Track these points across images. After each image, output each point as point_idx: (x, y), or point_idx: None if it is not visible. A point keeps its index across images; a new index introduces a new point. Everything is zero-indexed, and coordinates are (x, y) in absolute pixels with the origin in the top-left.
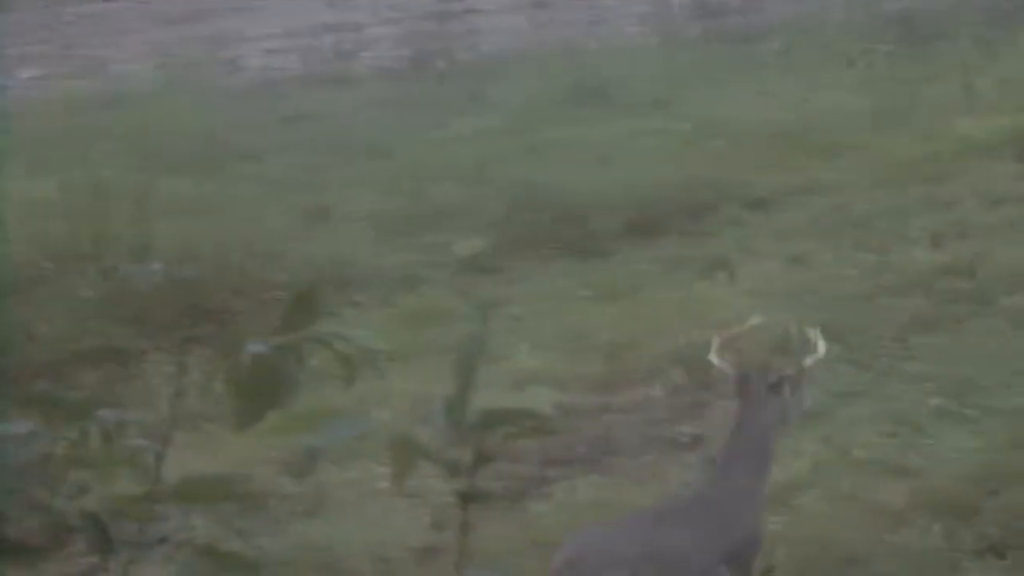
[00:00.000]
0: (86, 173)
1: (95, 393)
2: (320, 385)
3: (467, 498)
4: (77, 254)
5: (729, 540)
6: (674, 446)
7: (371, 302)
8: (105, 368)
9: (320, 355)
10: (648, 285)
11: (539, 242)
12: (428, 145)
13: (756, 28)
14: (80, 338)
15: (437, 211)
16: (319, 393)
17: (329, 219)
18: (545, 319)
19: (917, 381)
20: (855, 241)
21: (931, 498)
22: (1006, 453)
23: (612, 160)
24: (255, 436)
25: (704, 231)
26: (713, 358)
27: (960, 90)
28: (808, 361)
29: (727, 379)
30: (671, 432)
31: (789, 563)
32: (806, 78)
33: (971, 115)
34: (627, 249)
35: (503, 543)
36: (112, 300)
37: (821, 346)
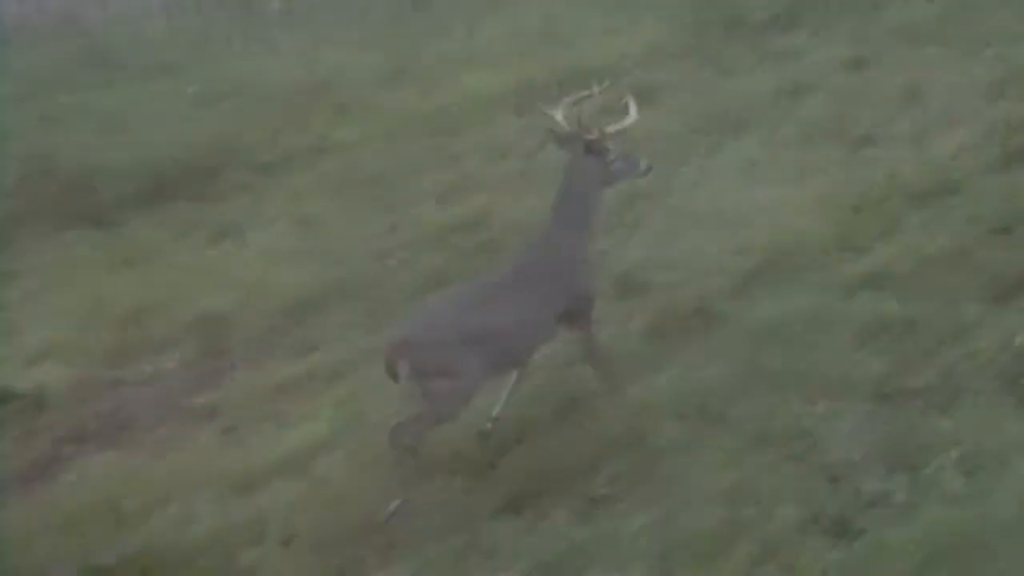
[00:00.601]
0: None
1: None
2: None
3: None
4: None
5: (561, 298)
6: (190, 417)
7: None
8: None
9: None
10: (162, 252)
11: (51, 213)
12: None
13: None
14: None
15: None
16: None
17: None
18: (59, 291)
19: None
20: (367, 199)
21: (450, 459)
22: (521, 411)
23: (123, 126)
24: None
25: (216, 195)
26: (558, 116)
27: (463, 46)
28: (618, 125)
29: (557, 138)
30: (187, 403)
31: (308, 533)
32: (312, 37)
33: (474, 70)
34: (140, 216)
35: (22, 526)
36: None
37: (633, 111)
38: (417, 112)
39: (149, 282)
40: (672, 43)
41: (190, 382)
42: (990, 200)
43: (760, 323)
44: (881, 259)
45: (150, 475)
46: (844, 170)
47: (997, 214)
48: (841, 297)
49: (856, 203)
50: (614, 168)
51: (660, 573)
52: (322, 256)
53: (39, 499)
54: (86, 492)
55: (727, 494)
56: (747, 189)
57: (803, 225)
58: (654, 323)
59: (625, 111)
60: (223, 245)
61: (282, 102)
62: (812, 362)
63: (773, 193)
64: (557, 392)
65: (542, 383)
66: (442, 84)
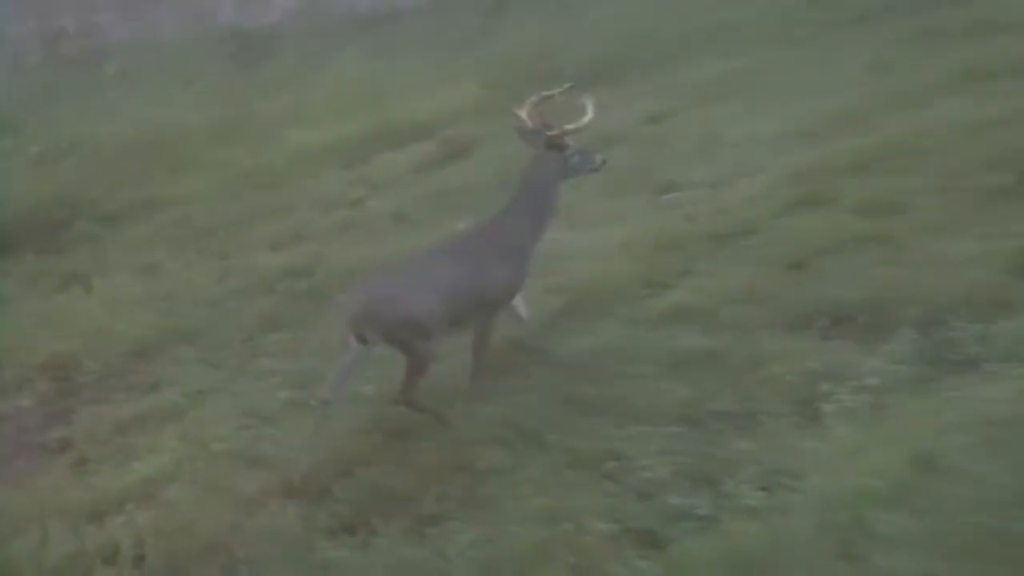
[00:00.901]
0: None
1: None
2: None
3: None
4: None
5: (497, 274)
6: (44, 450)
7: None
8: None
9: None
10: (12, 300)
11: None
12: None
13: (96, 51)
14: None
15: None
16: None
17: None
18: None
19: (266, 376)
20: (201, 249)
21: (284, 484)
22: (353, 438)
23: None
24: None
25: (60, 247)
26: (522, 114)
27: (291, 104)
28: (576, 124)
29: (522, 134)
30: (41, 438)
31: (158, 555)
32: (147, 97)
33: (302, 127)
34: None
35: None
36: None
37: (590, 111)
38: (248, 167)
39: (1, 328)
40: (485, 101)
41: (43, 419)
42: (781, 240)
43: (574, 355)
44: (683, 295)
45: (9, 504)
46: (648, 215)
47: (788, 252)
48: (647, 330)
49: (658, 244)
50: (572, 162)
51: None
52: (161, 302)
53: None
54: None
55: (547, 511)
56: (559, 233)
57: (611, 266)
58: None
59: (583, 111)
60: (69, 293)
61: (120, 159)
62: (622, 390)
63: (583, 237)
64: (387, 424)
65: (371, 416)
66: (270, 141)
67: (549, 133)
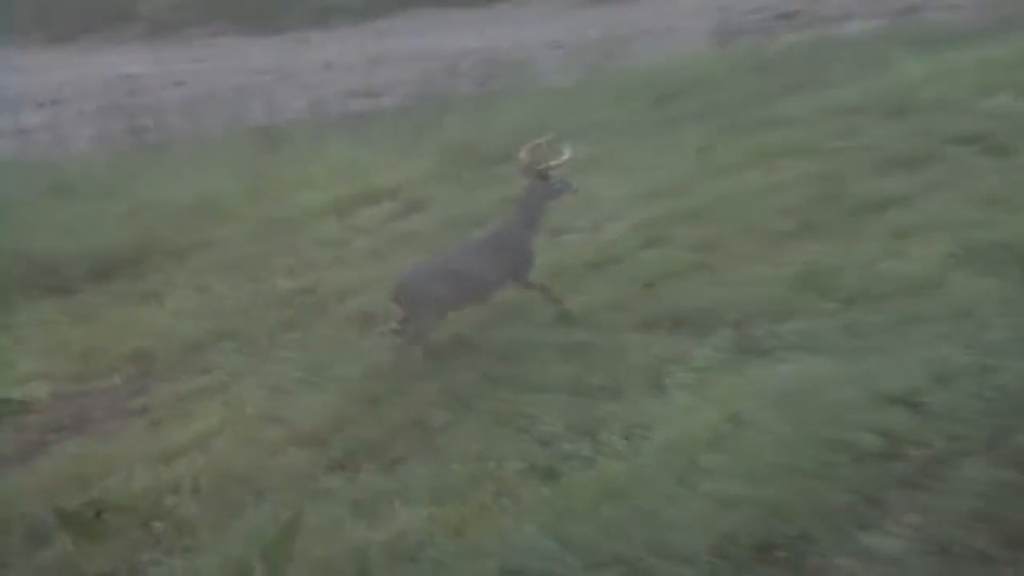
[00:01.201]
0: None
1: None
2: None
3: None
4: None
5: (511, 263)
6: (130, 415)
7: None
8: None
9: None
10: (106, 312)
11: (28, 285)
12: None
13: (165, 139)
14: None
15: None
16: None
17: None
18: (39, 338)
19: (285, 363)
20: (239, 275)
21: (297, 436)
22: (344, 405)
23: (78, 230)
24: None
25: (141, 274)
26: (522, 155)
27: (300, 176)
28: (559, 160)
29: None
30: (127, 405)
31: (208, 487)
32: (200, 172)
33: (308, 191)
34: (90, 288)
35: (15, 490)
36: None
37: (567, 153)
38: (270, 219)
39: (98, 332)
40: (435, 171)
41: (128, 393)
42: (638, 268)
43: (496, 345)
44: (571, 305)
45: (103, 453)
46: (547, 251)
47: (643, 276)
48: (547, 328)
49: (555, 271)
50: (555, 188)
51: (436, 503)
52: (211, 312)
53: (28, 472)
54: (60, 465)
55: (477, 454)
56: None
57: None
58: (427, 350)
59: (562, 153)
60: (147, 306)
61: (183, 213)
62: (529, 370)
63: None
64: (366, 394)
65: (356, 389)
66: (286, 201)
67: (539, 167)
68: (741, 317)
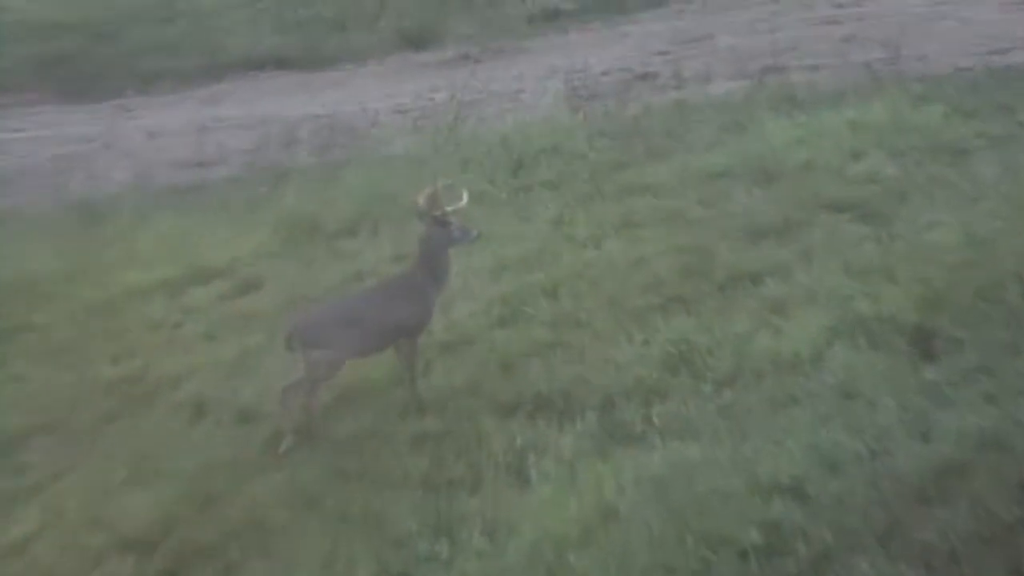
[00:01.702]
0: None
1: None
2: None
3: None
4: None
5: (408, 314)
6: None
7: None
8: None
9: None
10: None
11: None
12: None
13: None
14: None
15: None
16: None
17: None
18: None
19: (110, 459)
20: (57, 364)
21: (123, 541)
22: (174, 505)
23: None
24: None
25: None
26: (419, 201)
27: (125, 252)
28: (455, 207)
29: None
30: None
31: None
32: (15, 249)
33: (134, 269)
34: None
35: None
36: None
37: (465, 197)
38: (93, 300)
39: None
40: (270, 246)
41: None
42: (496, 347)
43: (342, 437)
44: (421, 389)
45: None
46: None
47: (501, 356)
48: (397, 416)
49: None
50: (454, 235)
51: None
52: (28, 405)
53: None
54: None
55: (323, 559)
56: None
57: (369, 368)
58: (267, 441)
59: (459, 198)
60: None
61: None
62: (379, 463)
63: None
64: (201, 492)
65: (189, 486)
66: (110, 279)
67: (434, 213)
68: (607, 400)
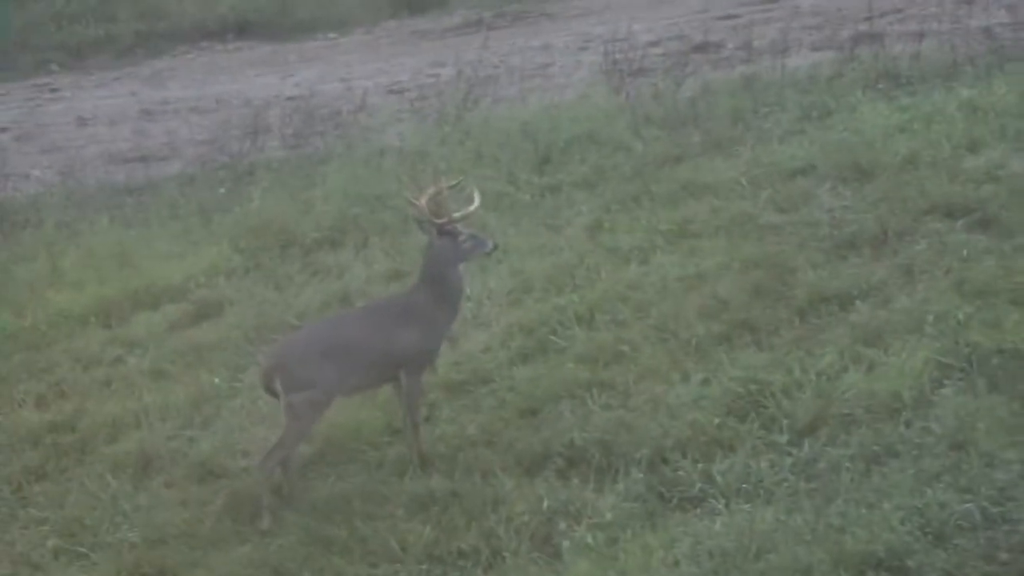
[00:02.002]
0: None
1: None
2: None
3: None
4: None
5: (409, 344)
6: None
7: None
8: None
9: None
10: None
11: None
12: None
13: None
14: None
15: None
16: None
17: None
18: None
19: (35, 525)
20: None
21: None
22: None
23: None
24: None
25: None
26: (421, 204)
27: (49, 269)
28: (465, 212)
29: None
30: None
31: None
32: None
33: (62, 290)
34: None
35: None
36: None
37: (478, 199)
38: (12, 329)
39: None
40: (233, 261)
41: None
42: (517, 387)
43: (324, 500)
44: (426, 441)
45: None
46: None
47: (523, 400)
48: (393, 474)
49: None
50: (465, 247)
51: None
52: None
53: None
54: None
55: None
56: None
57: (356, 414)
58: (231, 503)
59: (471, 200)
60: None
61: None
62: (371, 531)
63: None
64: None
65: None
66: (32, 304)
67: (438, 221)
68: (657, 453)
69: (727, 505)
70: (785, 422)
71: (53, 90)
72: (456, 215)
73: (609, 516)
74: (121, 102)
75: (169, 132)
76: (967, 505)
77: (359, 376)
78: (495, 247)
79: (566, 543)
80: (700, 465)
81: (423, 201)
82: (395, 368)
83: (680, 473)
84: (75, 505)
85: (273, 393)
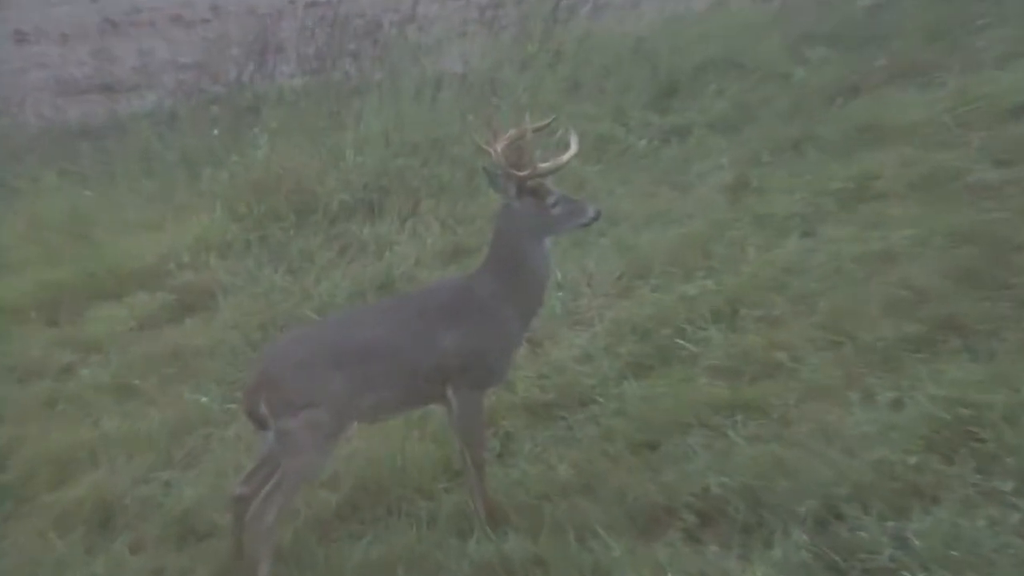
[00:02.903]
0: None
1: None
2: None
3: None
4: None
5: (463, 351)
6: None
7: None
8: None
9: None
10: None
11: None
12: None
13: None
14: None
15: None
16: None
17: None
18: None
19: None
20: None
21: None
22: None
23: None
24: None
25: None
26: (495, 152)
27: None
28: (556, 163)
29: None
30: None
31: None
32: None
33: None
34: None
35: None
36: None
37: (574, 146)
38: None
39: None
40: (228, 236)
41: None
42: (630, 408)
43: (357, 568)
44: (496, 486)
45: None
46: None
47: (635, 427)
48: (451, 534)
49: None
50: (555, 213)
51: None
52: None
53: None
54: None
55: None
56: None
57: (399, 448)
58: (221, 570)
59: (566, 147)
60: None
61: None
62: None
63: None
64: None
65: None
66: None
67: (519, 174)
68: (827, 505)
69: None
70: (1010, 461)
71: None
72: (544, 166)
73: None
74: (76, 10)
75: (142, 53)
76: None
77: (381, 392)
78: (598, 215)
79: None
80: (889, 523)
81: (498, 148)
82: (438, 383)
83: (861, 534)
84: (10, 565)
85: (259, 421)
